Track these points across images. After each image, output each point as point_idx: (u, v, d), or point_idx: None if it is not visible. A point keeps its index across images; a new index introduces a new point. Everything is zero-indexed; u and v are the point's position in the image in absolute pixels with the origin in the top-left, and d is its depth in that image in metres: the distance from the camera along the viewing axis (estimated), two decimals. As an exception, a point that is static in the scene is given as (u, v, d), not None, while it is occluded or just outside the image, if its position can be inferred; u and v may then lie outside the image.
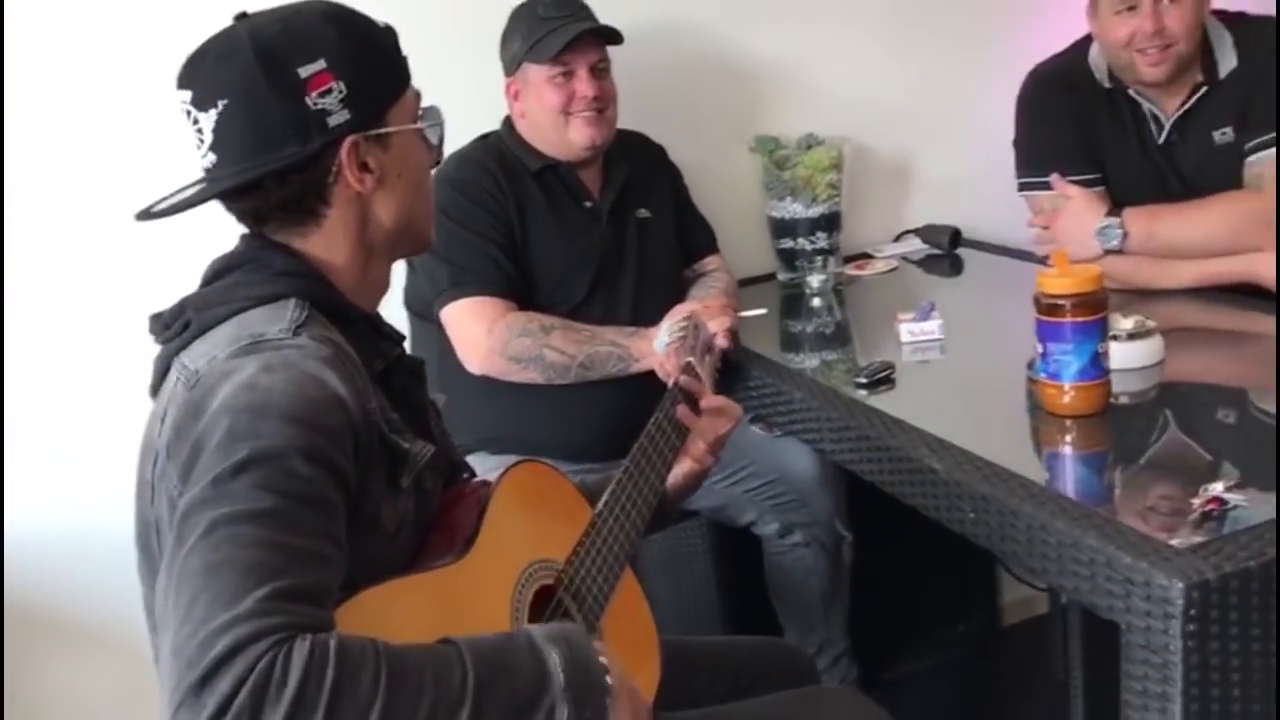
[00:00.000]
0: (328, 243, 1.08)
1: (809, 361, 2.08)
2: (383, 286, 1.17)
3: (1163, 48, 1.93)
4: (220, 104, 1.03)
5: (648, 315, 1.94)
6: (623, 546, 1.23)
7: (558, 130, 1.96)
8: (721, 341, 1.86)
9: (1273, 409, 1.67)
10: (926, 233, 2.53)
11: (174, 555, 0.87)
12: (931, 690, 2.45)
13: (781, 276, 2.43)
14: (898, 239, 2.58)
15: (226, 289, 1.05)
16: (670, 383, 1.49)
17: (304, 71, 1.03)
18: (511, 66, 2.01)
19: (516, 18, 2.01)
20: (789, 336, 2.26)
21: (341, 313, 1.07)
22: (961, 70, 2.56)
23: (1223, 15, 2.02)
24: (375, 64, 1.08)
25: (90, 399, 2.00)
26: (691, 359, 1.58)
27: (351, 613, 0.91)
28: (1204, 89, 1.99)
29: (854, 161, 2.44)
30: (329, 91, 1.03)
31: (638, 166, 2.11)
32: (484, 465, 1.93)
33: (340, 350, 0.99)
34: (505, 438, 1.91)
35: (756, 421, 2.00)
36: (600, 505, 1.24)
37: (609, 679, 0.94)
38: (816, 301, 2.29)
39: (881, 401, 1.71)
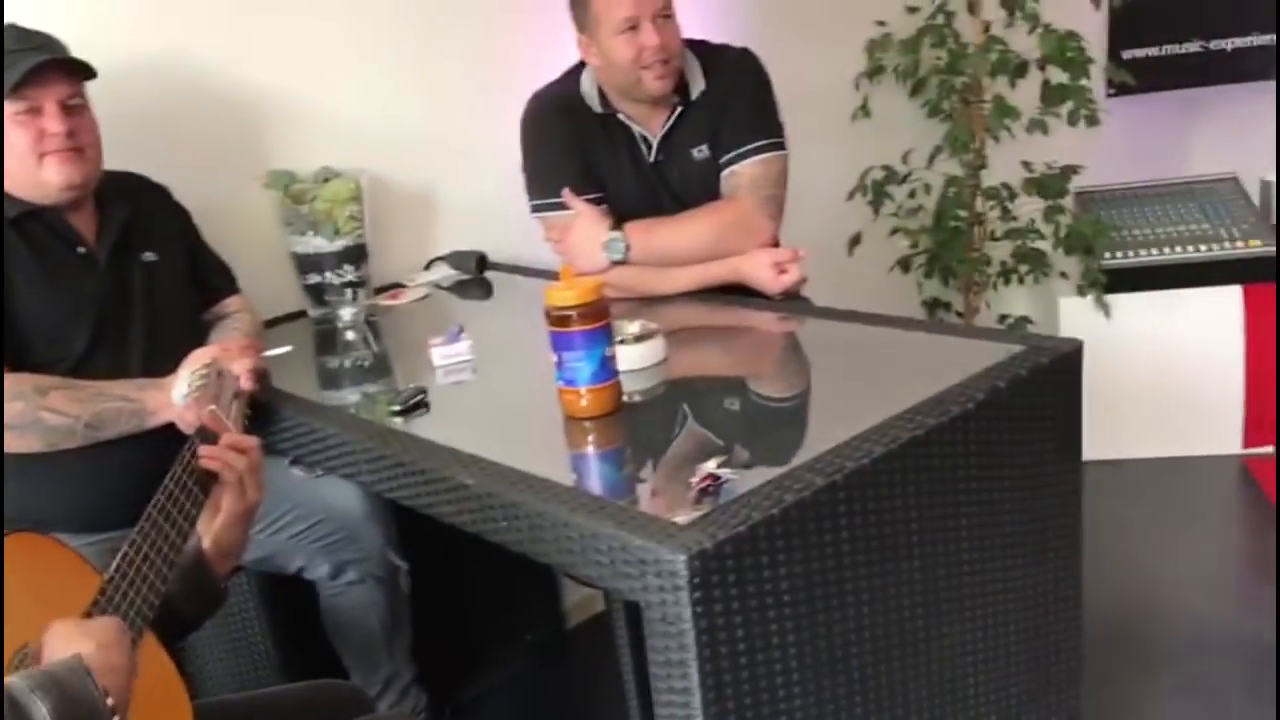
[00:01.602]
0: None
1: (349, 396, 2.05)
2: None
3: (664, 62, 2.11)
4: None
5: (162, 365, 1.82)
6: (140, 613, 1.14)
7: (29, 172, 1.79)
8: (246, 384, 1.78)
9: (764, 394, 1.88)
10: (454, 259, 2.59)
11: None
12: (507, 705, 2.51)
13: (312, 313, 2.38)
14: (428, 267, 2.62)
15: None
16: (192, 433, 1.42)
17: None
18: None
19: None
20: (326, 373, 2.22)
21: None
22: (471, 97, 2.64)
23: (692, 43, 2.24)
24: None
25: None
26: (214, 407, 1.51)
27: None
28: (680, 110, 2.20)
29: (375, 192, 2.44)
30: None
31: (138, 208, 1.97)
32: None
33: None
34: (14, 515, 1.71)
35: (295, 464, 1.94)
36: (109, 572, 1.14)
37: (110, 700, 0.88)
38: (350, 335, 2.26)
39: (418, 427, 1.72)
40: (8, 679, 0.87)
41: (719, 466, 1.34)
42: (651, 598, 1.24)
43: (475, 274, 2.57)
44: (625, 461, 1.64)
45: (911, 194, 3.42)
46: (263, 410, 1.87)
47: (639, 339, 1.80)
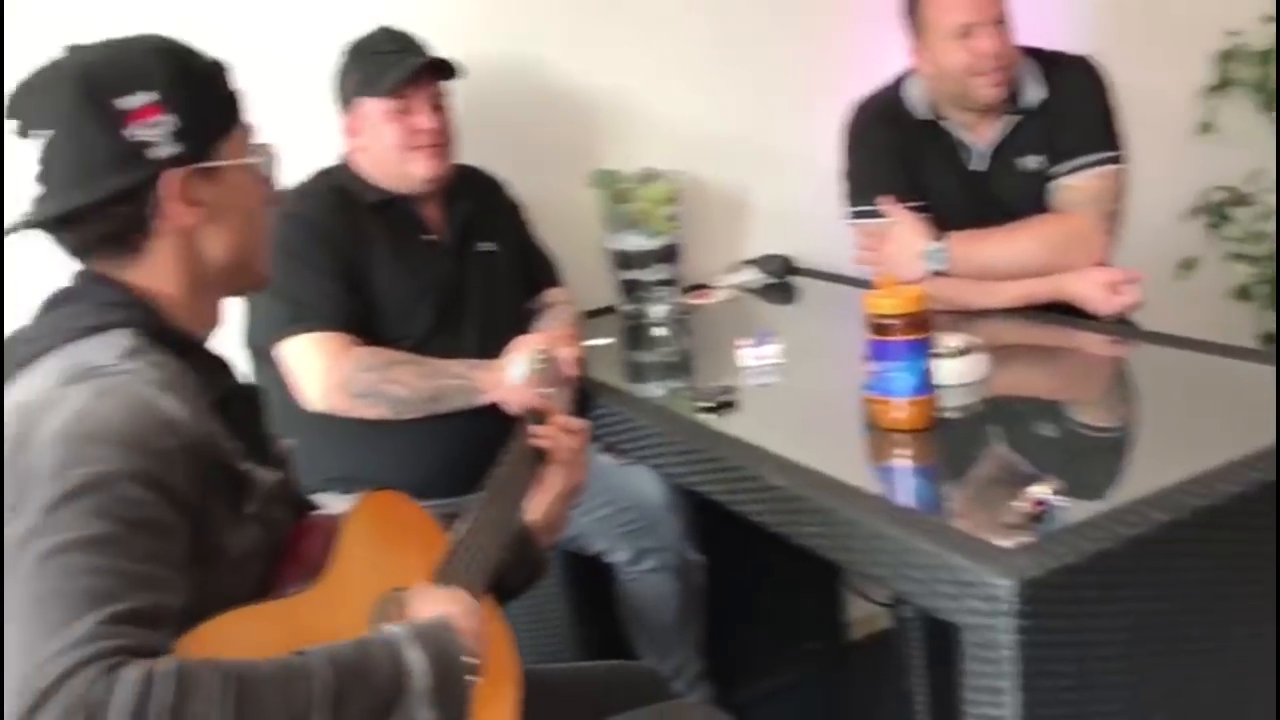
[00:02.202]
0: (154, 275, 1.06)
1: (654, 390, 2.12)
2: (214, 321, 1.14)
3: (998, 69, 2.05)
4: (46, 134, 1.01)
5: (493, 348, 1.94)
6: (482, 573, 1.22)
7: (397, 164, 1.96)
8: (569, 371, 1.87)
9: (1088, 421, 1.79)
10: (762, 262, 2.61)
11: (7, 591, 0.83)
12: (782, 708, 2.50)
13: (624, 308, 2.46)
14: (735, 269, 2.65)
15: (54, 320, 1.02)
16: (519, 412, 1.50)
17: (128, 103, 1.01)
18: (348, 100, 1.99)
19: (352, 53, 1.99)
20: (634, 366, 2.29)
21: (175, 341, 1.04)
22: (789, 104, 2.65)
23: (1030, 50, 2.16)
24: (204, 98, 1.07)
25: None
26: (547, 390, 1.59)
27: (195, 642, 0.89)
28: (1015, 119, 2.12)
29: (691, 194, 2.50)
30: (156, 124, 1.02)
31: (479, 201, 2.11)
32: (332, 506, 1.91)
33: (177, 375, 0.97)
34: (351, 476, 1.86)
35: (605, 450, 2.01)
36: (459, 533, 1.23)
37: (472, 676, 0.95)
38: (660, 331, 2.32)
39: (725, 424, 1.75)
40: (390, 627, 0.95)
41: (1051, 493, 1.28)
42: (971, 620, 1.20)
43: (781, 278, 2.58)
44: (935, 479, 1.60)
45: (1263, 216, 3.13)
46: (577, 397, 1.95)
47: (959, 353, 1.74)
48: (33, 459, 0.88)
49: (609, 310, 2.49)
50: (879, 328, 1.57)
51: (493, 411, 1.82)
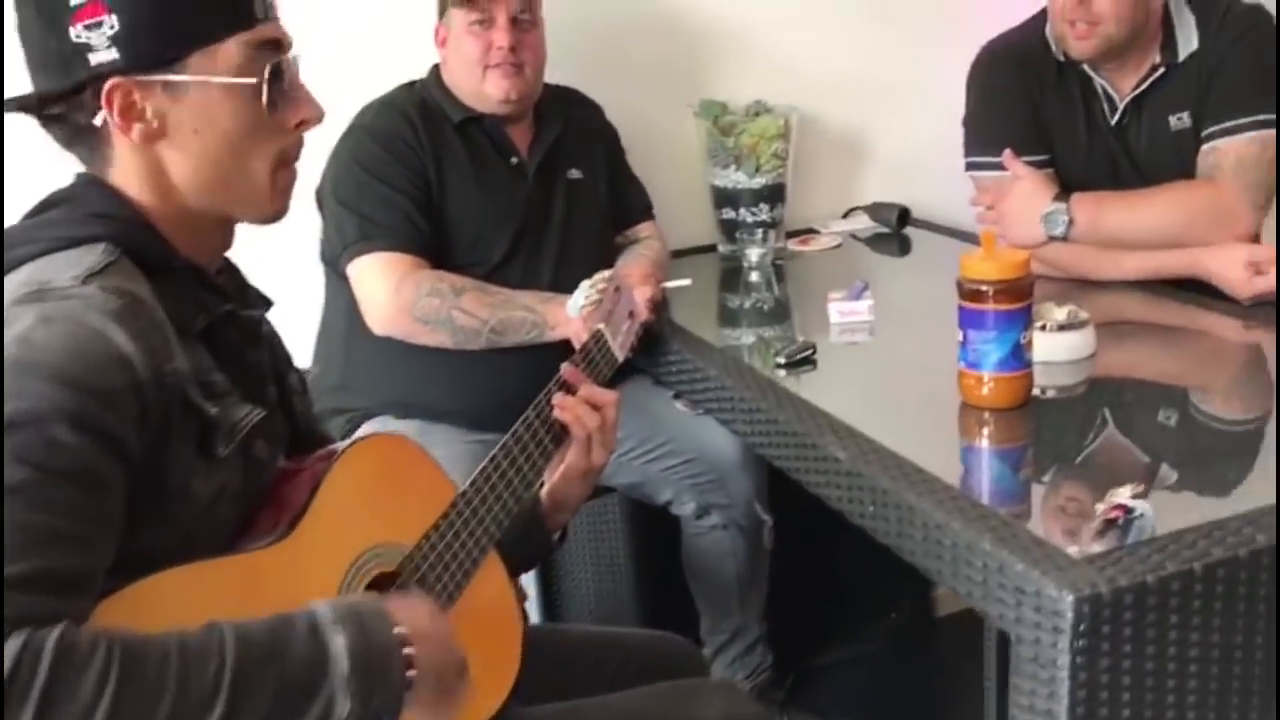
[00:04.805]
0: (128, 185, 0.98)
1: (744, 338, 2.01)
2: (215, 245, 1.04)
3: (1089, 24, 1.84)
4: (21, 15, 0.96)
5: (570, 281, 1.85)
6: (487, 531, 1.13)
7: (474, 82, 1.87)
8: (641, 313, 1.77)
9: (1212, 410, 1.61)
10: (874, 210, 2.45)
11: None
12: (857, 681, 2.39)
13: (722, 248, 2.35)
14: (845, 215, 2.50)
15: (36, 227, 0.96)
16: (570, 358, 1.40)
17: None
18: (441, 10, 1.91)
19: None
20: (725, 311, 2.19)
21: (161, 262, 0.97)
22: (918, 42, 2.46)
23: (1192, -5, 1.93)
24: (162, 1, 0.95)
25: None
26: (602, 326, 1.49)
27: (140, 597, 0.82)
28: (1161, 70, 1.90)
29: (802, 132, 2.35)
30: (97, 25, 0.92)
31: (571, 124, 2.01)
32: (386, 429, 1.86)
33: (139, 304, 0.89)
34: (409, 402, 1.83)
35: (678, 398, 1.92)
36: (467, 485, 1.14)
37: (410, 671, 0.86)
38: (754, 276, 2.20)
39: (801, 384, 1.63)
40: (315, 605, 0.87)
41: (1133, 497, 1.13)
42: (1024, 632, 1.07)
43: (895, 229, 2.42)
44: (1023, 465, 1.46)
45: None
46: (656, 341, 1.86)
47: (1064, 328, 1.58)
48: None
49: (709, 249, 2.37)
50: (971, 294, 1.42)
51: (559, 347, 1.74)
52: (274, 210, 1.04)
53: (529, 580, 2.13)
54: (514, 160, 1.93)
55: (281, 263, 1.74)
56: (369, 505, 1.03)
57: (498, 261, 1.87)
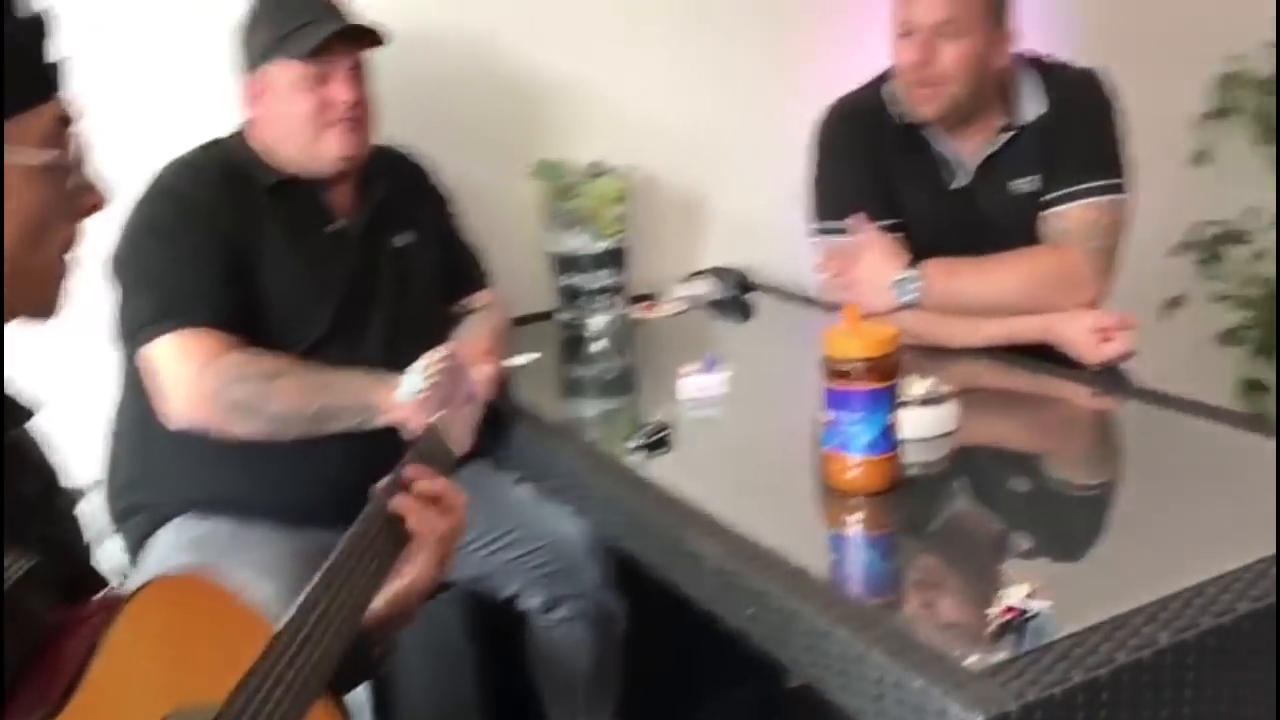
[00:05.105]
0: None
1: (589, 410, 1.90)
2: None
3: (933, 85, 1.82)
4: None
5: (402, 358, 1.69)
6: (316, 671, 0.95)
7: (306, 140, 1.70)
8: (482, 392, 1.63)
9: (1069, 478, 1.57)
10: (718, 275, 2.38)
11: None
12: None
13: (562, 315, 2.22)
14: (688, 279, 2.41)
15: None
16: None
17: None
18: (253, 63, 1.73)
19: (261, 6, 1.73)
20: (568, 382, 2.07)
21: None
22: (759, 101, 2.42)
23: (1033, 59, 1.93)
24: None
25: None
26: (438, 416, 1.33)
27: None
28: (1006, 134, 1.89)
29: (644, 194, 2.26)
30: None
31: (397, 187, 1.86)
32: (191, 532, 1.65)
33: None
34: (217, 497, 1.62)
35: (521, 482, 1.77)
36: (285, 621, 0.96)
37: None
38: (598, 345, 2.09)
39: (657, 467, 1.52)
40: None
41: (1028, 597, 1.05)
42: (927, 757, 0.97)
43: (737, 293, 2.35)
44: (895, 553, 1.37)
45: (1258, 256, 2.93)
46: (498, 421, 1.72)
47: (926, 402, 1.52)
48: None
49: (546, 317, 2.25)
50: (837, 373, 1.34)
51: (391, 433, 1.57)
52: (61, 305, 0.88)
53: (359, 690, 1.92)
54: (335, 226, 1.76)
55: (63, 346, 1.54)
56: (163, 661, 0.84)
57: (318, 339, 1.69)
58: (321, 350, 1.68)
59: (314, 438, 1.60)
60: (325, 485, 1.58)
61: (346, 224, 1.77)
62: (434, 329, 1.83)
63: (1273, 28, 2.86)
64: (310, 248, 1.72)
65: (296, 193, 1.73)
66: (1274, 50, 2.89)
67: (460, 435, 1.33)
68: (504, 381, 1.75)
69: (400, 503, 1.11)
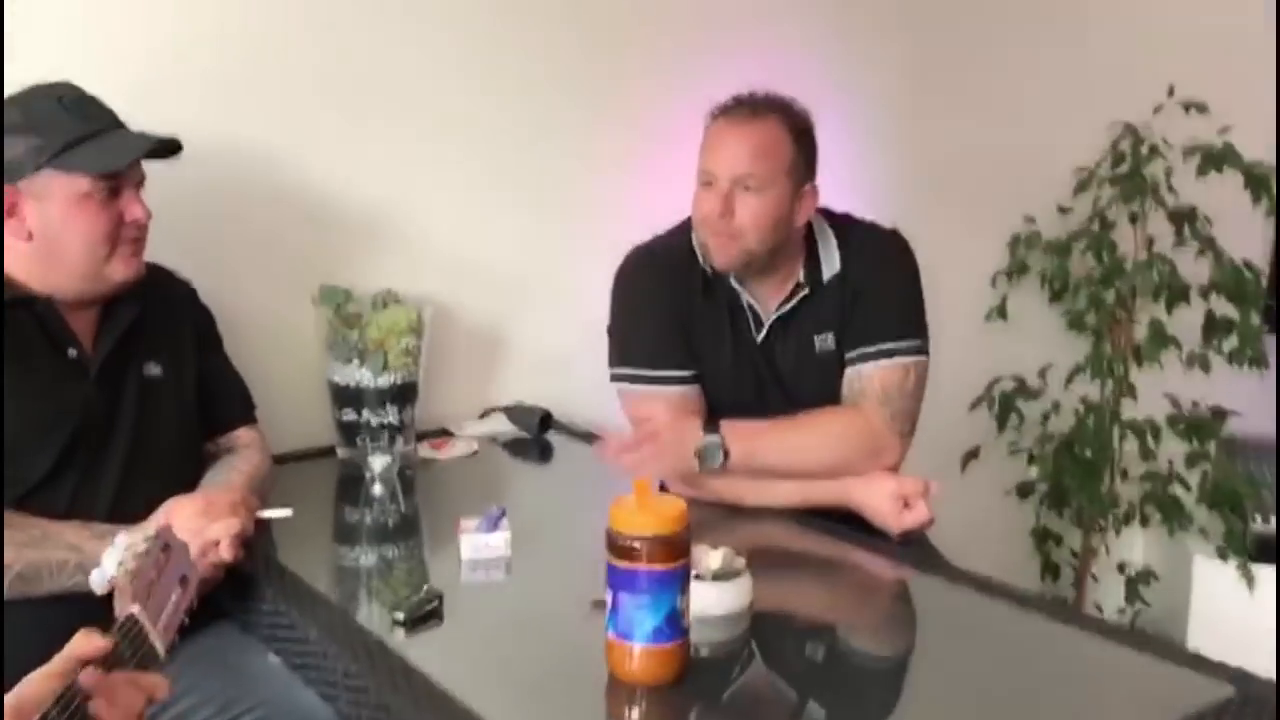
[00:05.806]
0: None
1: (358, 563, 1.72)
2: None
3: (729, 236, 1.77)
4: None
5: (138, 504, 1.49)
6: None
7: (95, 261, 1.53)
8: (225, 553, 1.44)
9: (861, 648, 1.48)
10: (515, 413, 2.25)
11: None
12: None
13: (341, 453, 2.05)
14: (483, 416, 2.28)
15: None
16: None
17: None
18: (19, 171, 1.52)
19: (29, 108, 1.53)
20: (341, 527, 1.88)
21: None
22: (562, 236, 2.35)
23: (831, 216, 1.90)
24: None
25: None
26: (136, 609, 1.09)
27: None
28: (805, 290, 1.84)
29: (437, 325, 2.12)
30: None
31: (152, 308, 1.66)
32: None
33: None
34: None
35: (276, 653, 1.56)
36: None
37: None
38: (377, 489, 1.91)
39: (422, 645, 1.35)
40: None
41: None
42: None
43: (536, 433, 2.22)
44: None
45: (1045, 417, 3.00)
46: (245, 583, 1.52)
47: (718, 577, 1.40)
48: None
49: (326, 453, 2.06)
50: (622, 550, 1.21)
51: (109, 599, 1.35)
52: None
53: None
54: (72, 353, 1.56)
55: None
56: None
57: (38, 480, 1.48)
58: (43, 493, 1.48)
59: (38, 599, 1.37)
60: (34, 653, 1.34)
61: (86, 350, 1.57)
62: (183, 471, 1.63)
63: (1068, 190, 2.99)
64: (37, 376, 1.51)
65: (29, 314, 1.53)
66: (1066, 215, 3.02)
67: (165, 631, 1.12)
68: (257, 532, 1.55)
69: (87, 684, 0.93)
